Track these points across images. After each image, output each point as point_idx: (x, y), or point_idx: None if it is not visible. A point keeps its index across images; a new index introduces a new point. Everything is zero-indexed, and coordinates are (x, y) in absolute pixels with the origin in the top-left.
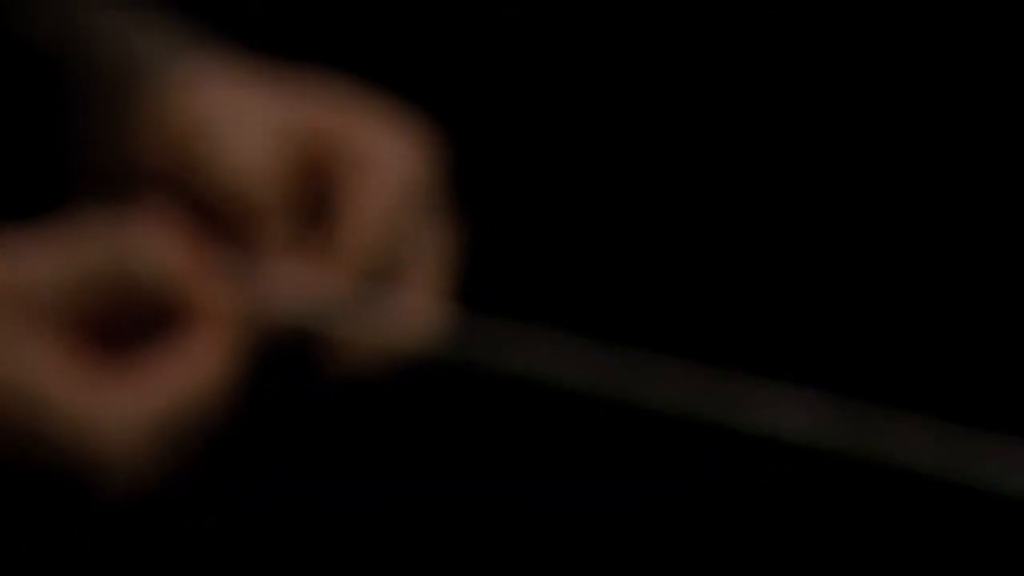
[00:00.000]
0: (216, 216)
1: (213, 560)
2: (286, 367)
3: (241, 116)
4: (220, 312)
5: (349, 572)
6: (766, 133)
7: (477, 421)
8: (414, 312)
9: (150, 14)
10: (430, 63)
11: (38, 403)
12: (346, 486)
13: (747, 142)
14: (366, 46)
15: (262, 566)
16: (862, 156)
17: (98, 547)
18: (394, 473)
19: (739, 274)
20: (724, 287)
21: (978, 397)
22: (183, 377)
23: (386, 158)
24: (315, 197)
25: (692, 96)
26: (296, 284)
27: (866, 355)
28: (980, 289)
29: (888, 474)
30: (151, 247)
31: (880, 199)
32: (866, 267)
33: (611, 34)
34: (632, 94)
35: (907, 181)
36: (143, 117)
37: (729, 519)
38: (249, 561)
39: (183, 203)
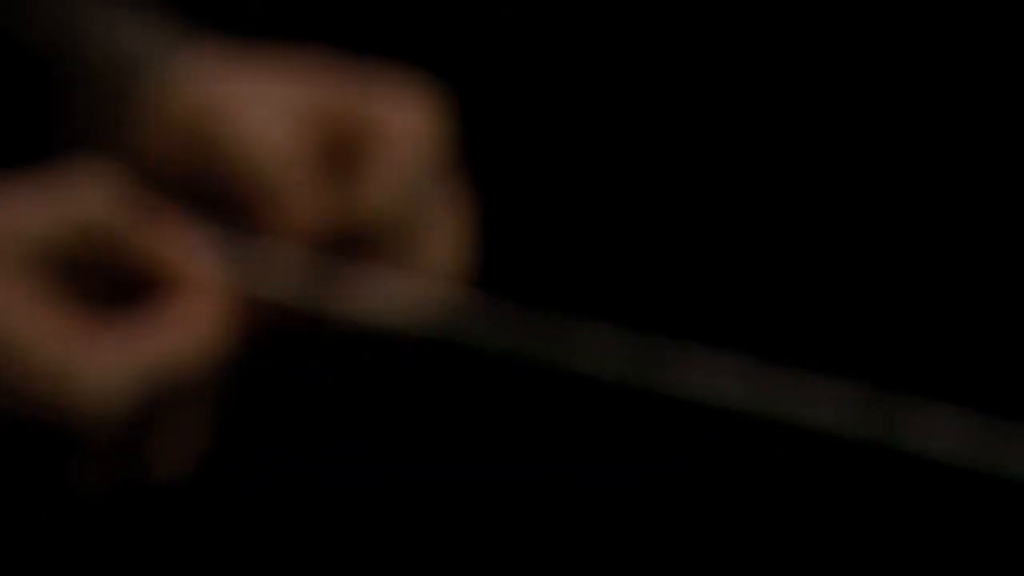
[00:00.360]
0: (232, 199)
1: (209, 542)
2: (288, 348)
3: (256, 100)
4: (208, 282)
5: (350, 556)
6: (763, 118)
7: (480, 399)
8: (424, 288)
9: (153, 7)
10: (443, 36)
11: (17, 350)
12: (350, 467)
13: (745, 127)
14: (379, 21)
15: (259, 549)
16: (866, 138)
17: (80, 503)
18: (395, 454)
19: (728, 255)
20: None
21: (908, 363)
22: (167, 340)
23: (402, 133)
24: (333, 173)
25: (697, 80)
26: (303, 261)
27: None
28: (955, 263)
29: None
30: (141, 207)
31: (871, 178)
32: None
33: (626, 7)
34: (642, 70)
35: (905, 161)
36: (145, 110)
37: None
38: (246, 544)
39: (197, 189)
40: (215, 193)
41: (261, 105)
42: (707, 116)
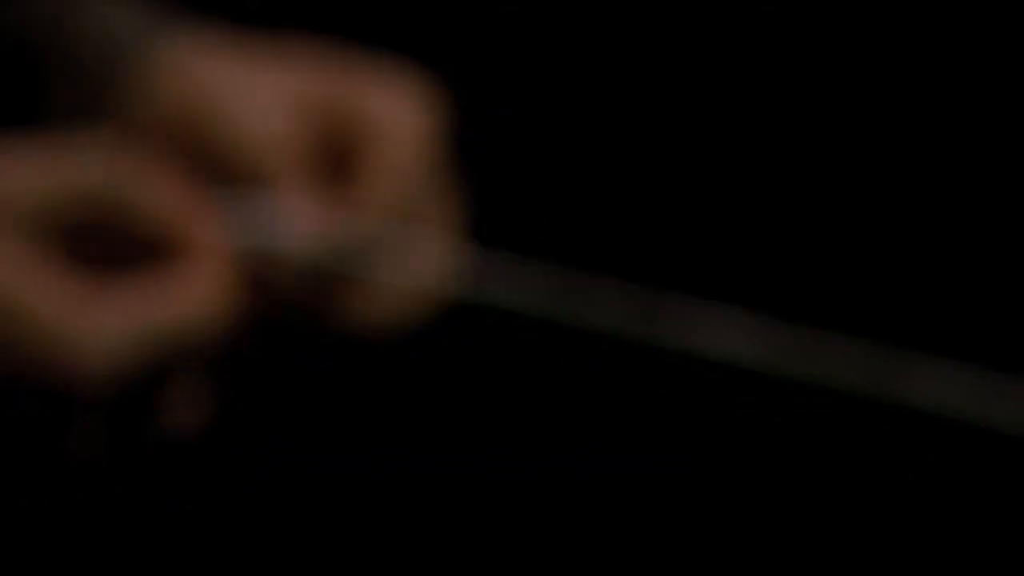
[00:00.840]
0: (221, 185)
1: (206, 531)
2: (290, 332)
3: (250, 88)
4: (212, 246)
5: (348, 544)
6: (759, 76)
7: (478, 389)
8: (418, 277)
9: None
10: (437, 24)
11: (11, 311)
12: (348, 455)
13: (744, 87)
14: (371, 11)
15: (255, 539)
16: (867, 95)
17: (80, 474)
18: (394, 445)
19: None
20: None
21: (907, 317)
22: (170, 303)
23: (397, 123)
24: (328, 165)
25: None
26: (307, 222)
27: (806, 279)
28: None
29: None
30: (144, 172)
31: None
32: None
33: None
34: (633, 47)
35: (908, 121)
36: (134, 97)
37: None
38: (250, 528)
39: (187, 171)
40: (205, 181)
41: (255, 94)
42: (701, 83)
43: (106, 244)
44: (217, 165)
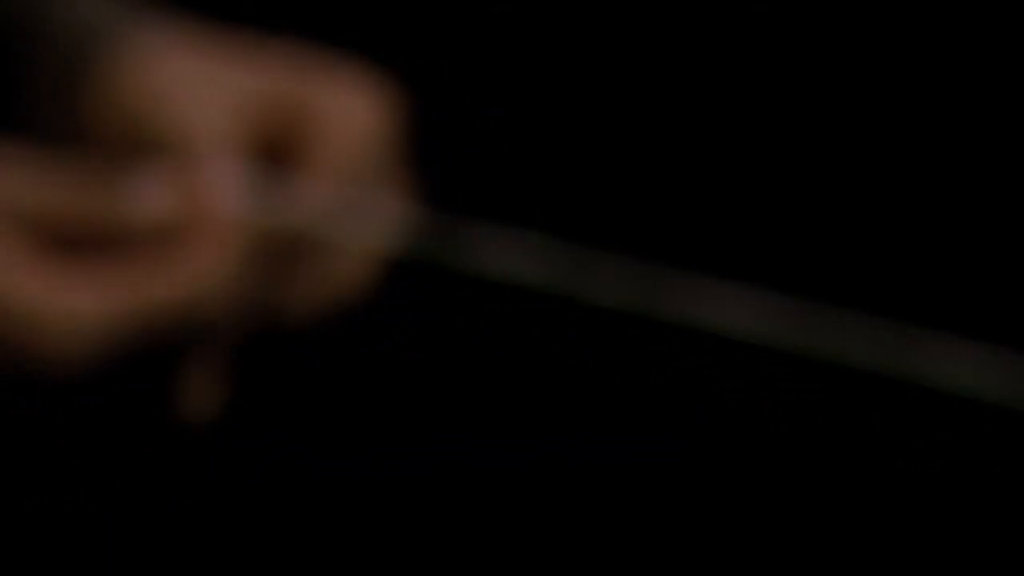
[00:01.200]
0: (170, 182)
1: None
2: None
3: (200, 82)
4: (213, 223)
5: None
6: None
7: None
8: (367, 273)
9: None
10: (388, 22)
11: None
12: (341, 452)
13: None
14: (324, 8)
15: (250, 537)
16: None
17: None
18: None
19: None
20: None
21: (919, 296)
22: (159, 283)
23: (347, 122)
24: (276, 160)
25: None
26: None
27: (813, 255)
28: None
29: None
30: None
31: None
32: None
33: None
34: (585, 39)
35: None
36: (96, 86)
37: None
38: (239, 522)
39: (137, 166)
40: (157, 175)
41: (203, 87)
42: (693, 59)
43: (82, 227)
44: (162, 160)
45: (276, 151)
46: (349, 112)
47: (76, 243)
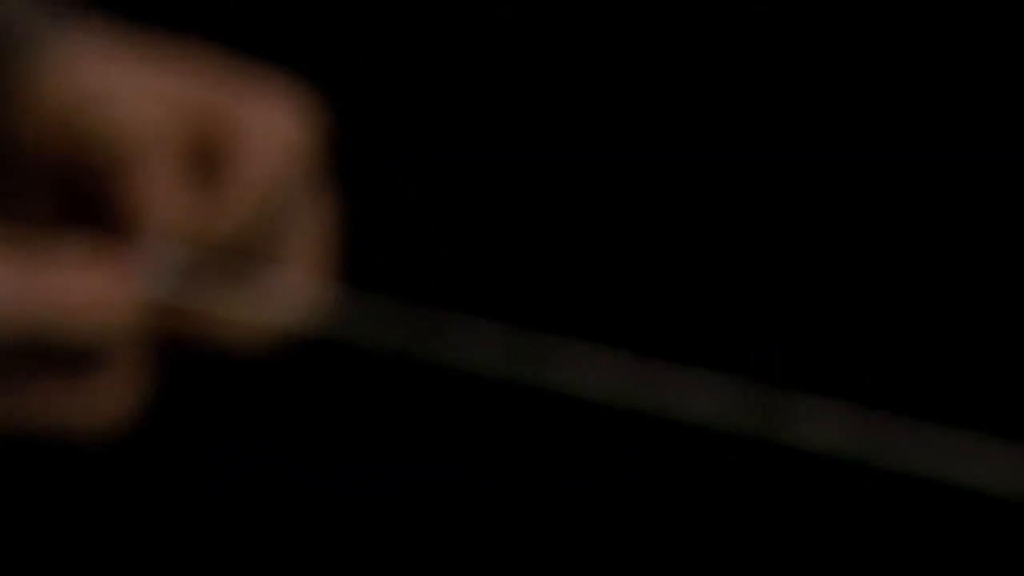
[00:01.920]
0: (97, 191)
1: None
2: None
3: (128, 88)
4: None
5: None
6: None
7: (354, 402)
8: (292, 289)
9: None
10: (311, 32)
11: None
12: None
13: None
14: (248, 18)
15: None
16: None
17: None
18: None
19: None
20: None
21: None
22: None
23: (267, 131)
24: (199, 170)
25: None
26: (172, 259)
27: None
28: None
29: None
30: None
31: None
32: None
33: None
34: (511, 53)
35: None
36: (21, 93)
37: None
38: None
39: (63, 176)
40: (84, 184)
41: (132, 93)
42: (591, 122)
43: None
44: (89, 166)
45: (198, 160)
46: (271, 124)
47: None
